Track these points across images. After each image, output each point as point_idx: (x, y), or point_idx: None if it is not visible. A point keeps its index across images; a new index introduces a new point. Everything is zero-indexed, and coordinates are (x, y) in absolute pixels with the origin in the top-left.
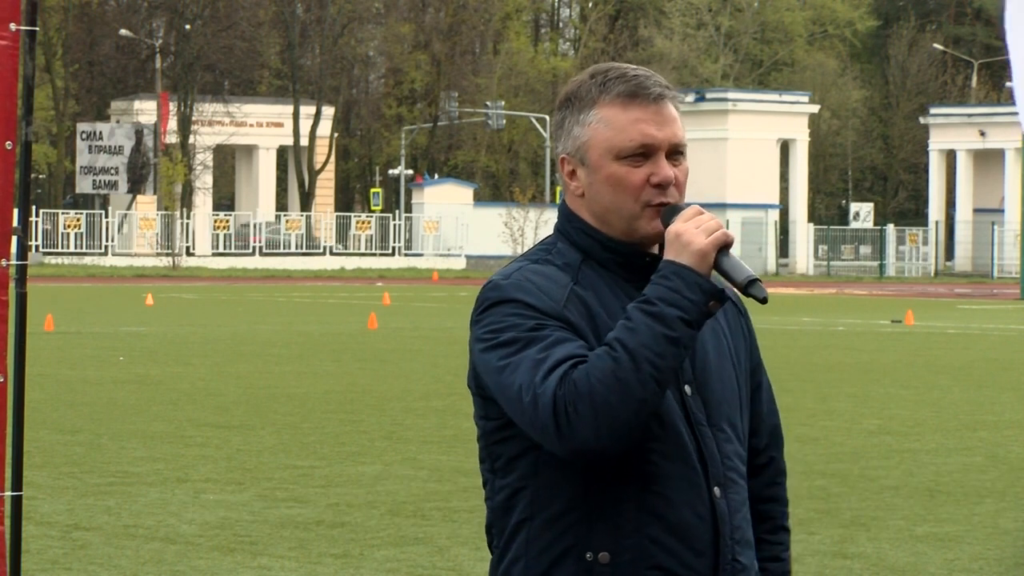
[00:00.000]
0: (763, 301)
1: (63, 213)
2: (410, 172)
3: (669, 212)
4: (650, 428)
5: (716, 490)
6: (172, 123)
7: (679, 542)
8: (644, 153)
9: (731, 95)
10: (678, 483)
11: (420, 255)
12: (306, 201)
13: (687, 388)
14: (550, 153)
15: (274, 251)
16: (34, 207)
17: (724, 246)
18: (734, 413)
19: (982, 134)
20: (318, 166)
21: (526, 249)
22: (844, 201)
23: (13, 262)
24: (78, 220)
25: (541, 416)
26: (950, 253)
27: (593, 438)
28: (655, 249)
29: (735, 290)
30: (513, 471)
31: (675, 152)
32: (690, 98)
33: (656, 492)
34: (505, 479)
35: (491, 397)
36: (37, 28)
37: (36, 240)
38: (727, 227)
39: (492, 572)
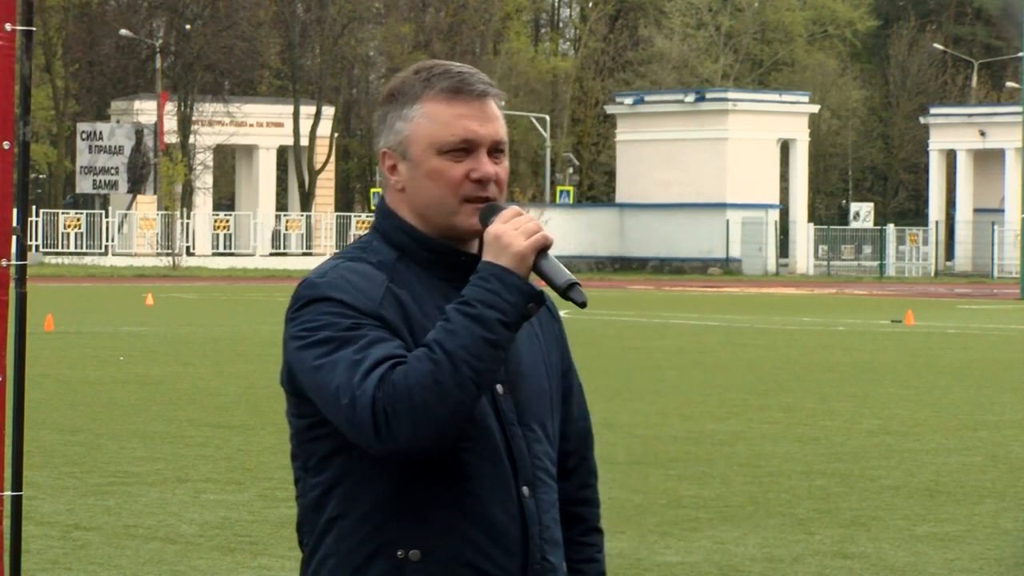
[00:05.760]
0: (582, 305)
1: (63, 213)
2: None
3: (488, 212)
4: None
5: (525, 489)
6: (172, 123)
7: (490, 540)
8: (466, 148)
9: (731, 95)
10: (488, 482)
11: None
12: (306, 201)
13: (499, 387)
14: (550, 153)
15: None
16: (34, 207)
17: (543, 248)
18: (544, 414)
19: (982, 134)
20: (318, 166)
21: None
22: (844, 201)
23: (13, 262)
24: (78, 220)
25: (359, 417)
26: (950, 253)
27: (411, 439)
28: (472, 248)
29: (549, 294)
30: (326, 469)
31: (496, 150)
32: (690, 98)
33: (467, 491)
34: (317, 477)
35: (304, 395)
36: (34, 28)
37: (36, 240)
38: (728, 227)
39: (303, 571)
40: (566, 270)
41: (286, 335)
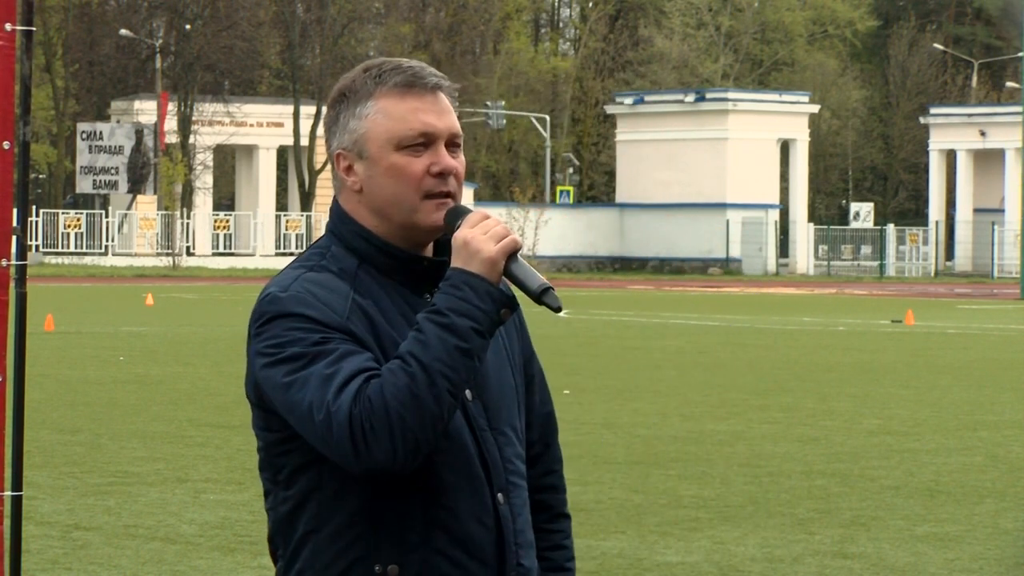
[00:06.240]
0: (557, 310)
1: (63, 213)
2: None
3: (453, 215)
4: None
5: (499, 496)
6: (172, 123)
7: (465, 553)
8: (424, 143)
9: (731, 95)
10: (463, 493)
11: None
12: (306, 201)
13: (468, 393)
14: (550, 153)
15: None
16: (34, 207)
17: (513, 252)
18: (513, 415)
19: (982, 134)
20: (318, 166)
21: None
22: (844, 201)
23: (13, 262)
24: (78, 220)
25: (336, 434)
26: (950, 253)
27: (391, 455)
28: (429, 251)
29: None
30: (296, 482)
31: (452, 143)
32: (690, 98)
33: (442, 504)
34: (289, 490)
35: (273, 410)
36: (34, 28)
37: (36, 240)
38: (728, 227)
39: None
40: (539, 274)
41: (251, 350)
